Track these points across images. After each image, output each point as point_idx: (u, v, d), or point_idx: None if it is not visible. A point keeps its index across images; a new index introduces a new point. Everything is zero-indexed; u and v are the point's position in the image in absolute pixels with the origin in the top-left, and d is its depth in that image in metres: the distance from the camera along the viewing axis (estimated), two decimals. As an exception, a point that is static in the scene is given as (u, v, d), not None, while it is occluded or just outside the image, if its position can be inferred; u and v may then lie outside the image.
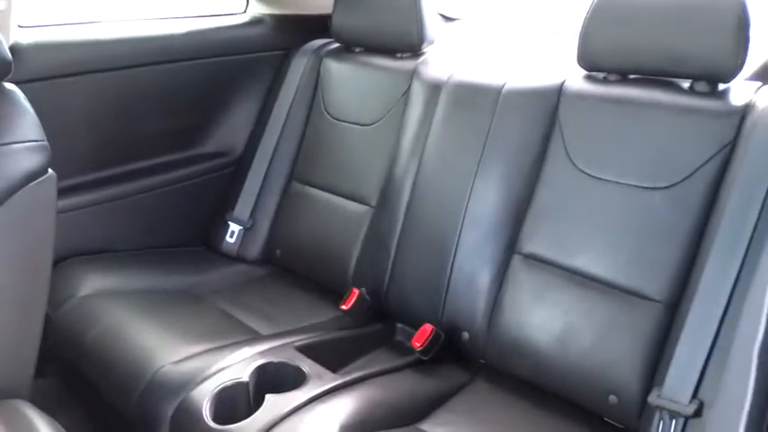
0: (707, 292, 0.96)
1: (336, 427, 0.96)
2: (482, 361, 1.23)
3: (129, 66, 1.41)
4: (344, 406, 1.01)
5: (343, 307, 1.29)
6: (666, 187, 1.05)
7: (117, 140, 1.48)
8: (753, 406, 0.84)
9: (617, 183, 1.10)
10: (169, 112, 1.54)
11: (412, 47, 1.44)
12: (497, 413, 1.12)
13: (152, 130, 1.53)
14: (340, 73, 1.54)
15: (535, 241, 1.18)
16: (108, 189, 1.45)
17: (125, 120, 1.47)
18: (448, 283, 1.24)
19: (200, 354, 1.12)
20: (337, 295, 1.34)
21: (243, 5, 1.66)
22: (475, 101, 1.28)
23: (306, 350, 1.16)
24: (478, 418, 1.09)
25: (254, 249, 1.56)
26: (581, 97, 1.17)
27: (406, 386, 1.13)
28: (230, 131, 1.64)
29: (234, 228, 1.56)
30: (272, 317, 1.32)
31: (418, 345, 1.18)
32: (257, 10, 1.65)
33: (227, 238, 1.56)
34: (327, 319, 1.32)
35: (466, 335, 1.22)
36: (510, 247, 1.20)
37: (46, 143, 0.87)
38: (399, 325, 1.34)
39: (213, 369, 1.07)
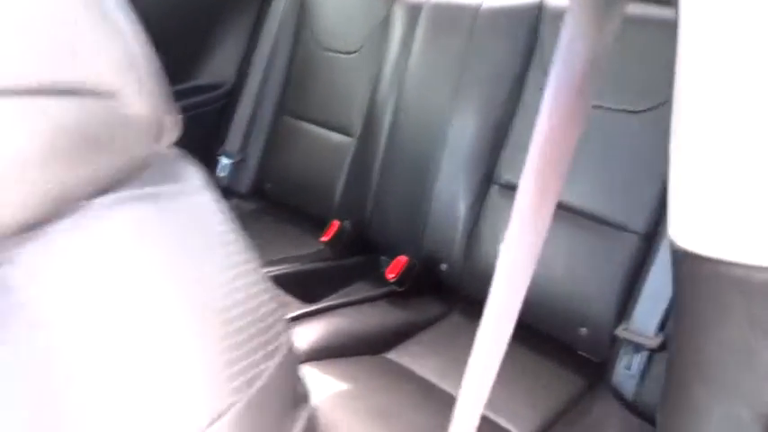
0: None
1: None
2: (461, 293, 1.21)
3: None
4: (308, 333, 1.02)
5: (323, 239, 1.29)
6: (646, 110, 0.98)
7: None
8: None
9: (598, 107, 1.03)
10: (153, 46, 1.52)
11: (395, -34, 1.36)
12: (467, 345, 1.11)
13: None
14: (324, -1, 1.47)
15: (513, 171, 1.13)
16: None
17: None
18: (427, 214, 1.22)
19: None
20: (323, 228, 1.34)
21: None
22: (452, 23, 1.20)
23: (277, 281, 1.16)
24: (446, 348, 1.08)
25: (245, 183, 1.56)
26: (564, 14, 1.09)
27: (376, 317, 1.14)
28: (219, 65, 1.61)
29: (224, 162, 1.56)
30: (255, 250, 1.33)
31: (392, 276, 1.18)
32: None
33: (218, 173, 1.56)
34: (309, 251, 1.33)
35: (444, 266, 1.20)
36: (488, 177, 1.16)
37: None
38: (383, 257, 1.33)
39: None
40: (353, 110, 1.38)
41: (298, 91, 1.52)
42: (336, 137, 1.42)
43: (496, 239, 1.13)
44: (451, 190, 1.19)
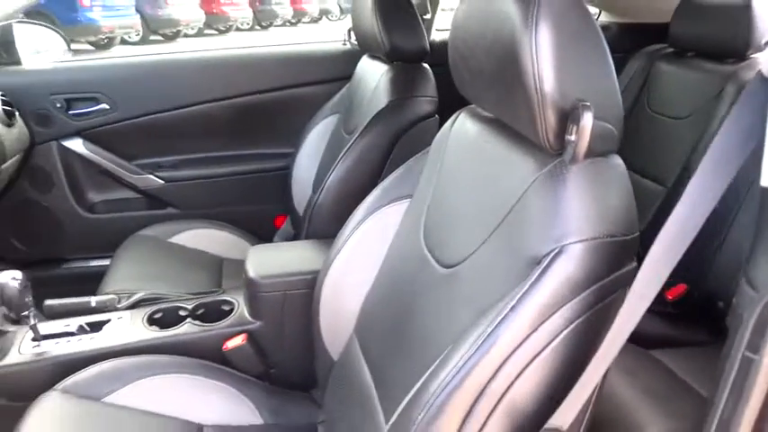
0: None
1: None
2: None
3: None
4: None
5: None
6: None
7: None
8: None
9: None
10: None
11: (737, 52, 1.58)
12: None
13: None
14: (668, 74, 1.77)
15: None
16: None
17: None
18: (716, 253, 1.40)
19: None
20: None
21: (595, 13, 2.03)
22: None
23: None
24: (705, 358, 1.27)
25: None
26: None
27: (645, 321, 1.38)
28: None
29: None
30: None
31: (671, 297, 1.41)
32: (606, 18, 2.00)
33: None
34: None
35: (721, 304, 1.38)
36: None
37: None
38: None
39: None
40: (670, 164, 1.65)
41: (624, 142, 1.83)
42: (650, 184, 1.70)
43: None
44: (741, 241, 1.37)
